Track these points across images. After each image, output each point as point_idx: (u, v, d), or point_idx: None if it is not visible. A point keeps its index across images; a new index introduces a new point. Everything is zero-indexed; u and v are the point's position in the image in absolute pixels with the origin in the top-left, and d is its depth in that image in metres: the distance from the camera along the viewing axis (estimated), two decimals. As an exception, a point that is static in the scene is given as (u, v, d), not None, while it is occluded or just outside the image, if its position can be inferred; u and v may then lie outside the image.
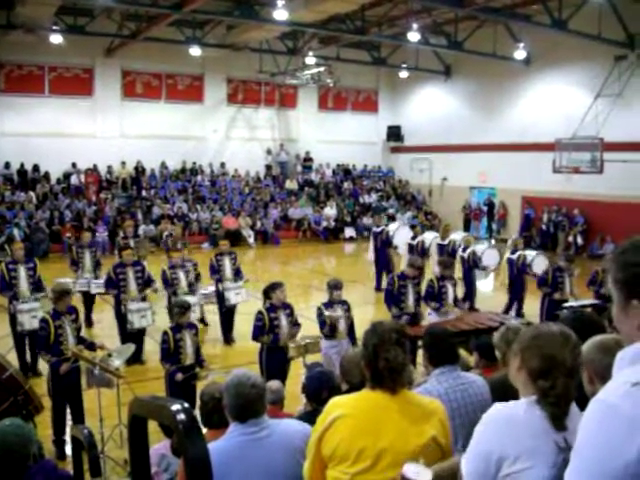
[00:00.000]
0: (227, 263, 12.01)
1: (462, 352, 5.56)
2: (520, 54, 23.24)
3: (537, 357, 2.25)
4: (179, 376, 7.32)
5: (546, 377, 2.21)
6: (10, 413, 5.50)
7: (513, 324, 4.61)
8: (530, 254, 13.90)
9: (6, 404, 6.47)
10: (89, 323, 12.59)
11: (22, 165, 25.05)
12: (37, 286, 10.40)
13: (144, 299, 10.92)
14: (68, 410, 7.52)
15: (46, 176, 25.29)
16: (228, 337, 11.77)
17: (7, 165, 24.85)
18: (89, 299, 12.73)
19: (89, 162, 25.99)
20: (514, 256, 13.59)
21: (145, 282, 11.03)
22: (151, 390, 7.29)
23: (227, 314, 11.89)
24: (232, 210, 26.17)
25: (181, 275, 11.47)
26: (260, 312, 8.20)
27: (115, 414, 7.20)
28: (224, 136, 29.10)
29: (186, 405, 2.09)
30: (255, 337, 8.15)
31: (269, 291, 8.31)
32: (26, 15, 21.12)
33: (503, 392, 2.99)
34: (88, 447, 3.46)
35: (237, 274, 12.07)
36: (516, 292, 13.33)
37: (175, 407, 2.05)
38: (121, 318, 10.75)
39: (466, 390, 3.69)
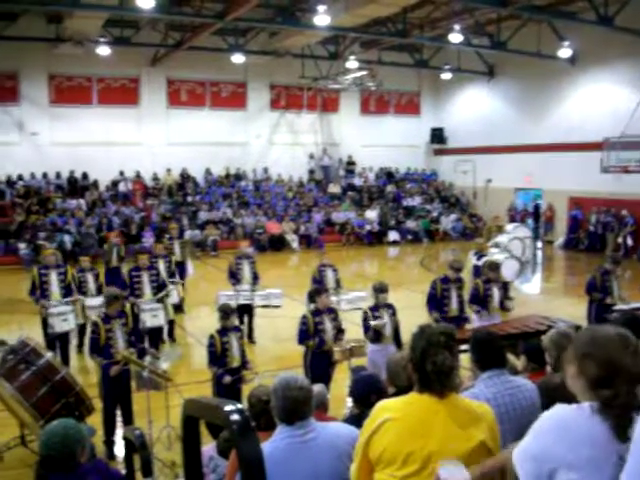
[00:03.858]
0: (246, 267, 12.04)
1: (509, 356, 5.48)
2: (565, 52, 22.88)
3: (595, 364, 2.11)
4: (227, 379, 7.37)
5: (608, 385, 2.07)
6: (62, 414, 5.61)
7: (563, 328, 4.52)
8: (499, 258, 12.95)
9: (58, 405, 6.61)
10: None
11: (72, 173, 25.58)
12: (68, 290, 10.73)
13: (159, 301, 11.15)
14: (118, 412, 7.63)
15: (95, 184, 25.80)
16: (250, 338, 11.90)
17: (58, 174, 25.38)
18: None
19: (136, 170, 26.44)
20: (480, 262, 12.80)
21: (159, 286, 11.35)
22: (198, 393, 7.35)
23: (241, 317, 11.84)
24: (276, 215, 26.30)
25: (246, 268, 11.93)
26: (305, 316, 8.23)
27: (163, 416, 7.29)
28: (267, 141, 29.28)
29: (240, 406, 2.11)
30: (301, 341, 8.17)
31: (314, 295, 8.31)
32: (74, 28, 21.58)
33: (553, 397, 2.94)
34: (140, 448, 3.50)
35: (254, 278, 12.06)
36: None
37: (229, 408, 2.07)
38: (135, 318, 11.04)
39: (515, 394, 3.62)
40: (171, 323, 12.33)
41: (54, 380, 6.73)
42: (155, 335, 10.84)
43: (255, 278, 12.00)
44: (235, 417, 2.03)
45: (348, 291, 11.64)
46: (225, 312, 7.67)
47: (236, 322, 7.95)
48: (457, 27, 21.05)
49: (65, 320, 10.32)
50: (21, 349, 6.94)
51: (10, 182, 24.49)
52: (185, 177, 27.39)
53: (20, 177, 24.69)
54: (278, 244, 24.83)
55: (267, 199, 27.54)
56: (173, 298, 12.43)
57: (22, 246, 21.43)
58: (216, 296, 11.26)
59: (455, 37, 21.24)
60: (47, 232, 22.07)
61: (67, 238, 21.89)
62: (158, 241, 13.96)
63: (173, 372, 8.11)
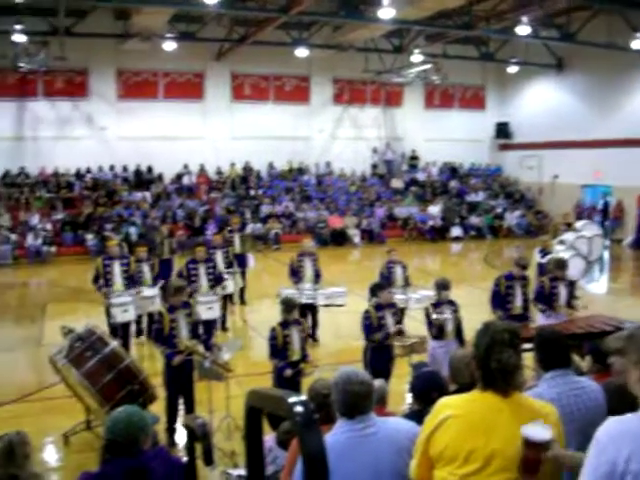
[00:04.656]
0: (308, 265, 11.77)
1: (574, 356, 5.35)
2: (638, 44, 22.18)
3: None
4: (288, 372, 7.40)
5: None
6: (126, 401, 5.74)
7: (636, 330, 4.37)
8: (564, 256, 12.30)
9: (123, 392, 6.77)
10: None
11: (138, 167, 26.13)
12: (130, 281, 11.01)
13: (216, 293, 11.43)
14: (180, 401, 7.76)
15: (160, 177, 26.30)
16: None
17: (125, 167, 25.95)
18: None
19: (200, 163, 26.81)
20: (545, 260, 12.33)
21: (216, 279, 11.55)
22: (258, 384, 7.41)
23: (304, 315, 11.81)
24: (338, 209, 26.31)
25: (308, 265, 11.78)
26: (367, 311, 8.22)
27: (224, 406, 7.39)
28: (330, 135, 29.29)
29: (304, 398, 2.12)
30: (367, 336, 8.16)
31: (377, 289, 8.29)
32: (141, 24, 22.00)
33: (620, 399, 2.86)
34: (202, 436, 3.55)
35: (317, 276, 11.81)
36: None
37: (293, 400, 2.09)
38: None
39: (580, 395, 3.54)
40: (225, 315, 12.61)
41: (119, 368, 6.89)
42: (209, 327, 11.00)
43: (317, 276, 11.78)
44: (299, 409, 2.04)
45: (416, 289, 11.45)
46: (287, 305, 7.71)
47: (297, 315, 7.97)
48: (524, 19, 20.61)
49: (126, 311, 10.62)
50: (88, 337, 7.12)
51: (79, 175, 25.16)
52: (248, 171, 27.65)
53: (88, 170, 25.34)
54: (340, 238, 24.85)
55: (329, 193, 27.58)
56: (228, 288, 12.70)
57: (89, 237, 22.05)
58: (278, 292, 11.30)
59: (522, 29, 20.81)
60: (113, 224, 22.64)
61: (132, 230, 22.40)
62: (218, 233, 14.15)
63: (234, 363, 8.19)
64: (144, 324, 11.82)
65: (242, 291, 14.48)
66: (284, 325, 7.64)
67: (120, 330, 10.45)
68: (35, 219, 22.35)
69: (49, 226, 22.41)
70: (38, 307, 14.91)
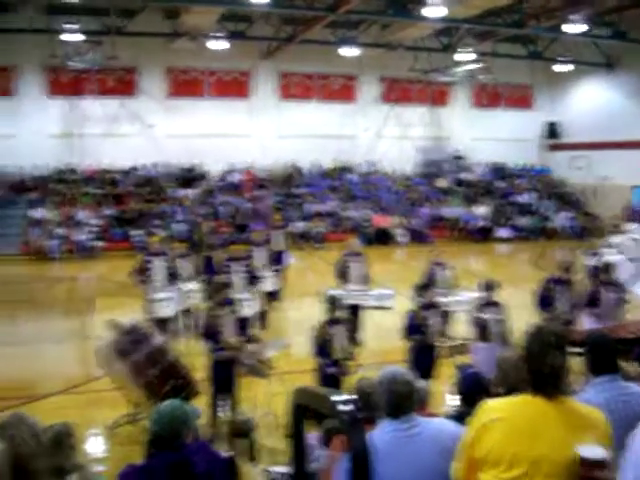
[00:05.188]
0: (355, 266, 11.60)
1: (622, 362, 5.23)
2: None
3: None
4: (331, 370, 7.40)
5: None
6: (170, 396, 5.80)
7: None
8: (613, 259, 11.98)
9: (167, 387, 6.84)
10: None
11: (184, 164, 26.39)
12: (170, 277, 11.18)
13: (251, 293, 11.43)
14: (223, 397, 7.81)
15: (206, 174, 26.52)
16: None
17: (171, 165, 26.24)
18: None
19: (246, 161, 26.95)
20: (594, 262, 12.02)
21: (250, 278, 11.52)
22: (301, 382, 7.40)
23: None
24: (383, 208, 26.21)
25: (355, 266, 11.67)
26: (412, 311, 8.17)
27: (266, 403, 7.42)
28: (376, 134, 29.19)
29: (349, 397, 2.12)
30: (408, 335, 8.11)
31: (421, 290, 8.24)
32: (190, 23, 22.25)
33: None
34: (245, 432, 3.57)
35: (364, 276, 11.63)
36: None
37: (339, 398, 2.08)
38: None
39: (628, 401, 3.47)
40: (263, 313, 12.59)
41: (164, 362, 6.96)
42: (245, 325, 11.04)
43: (365, 277, 11.62)
44: (345, 408, 2.04)
45: (461, 291, 11.30)
46: (332, 304, 7.70)
47: (342, 314, 7.95)
48: (575, 17, 20.23)
49: (167, 306, 10.72)
50: (134, 331, 7.22)
51: (127, 172, 25.54)
52: (294, 169, 27.72)
53: (136, 167, 25.70)
54: (384, 238, 24.75)
55: (374, 192, 27.48)
56: (267, 286, 12.74)
57: (137, 233, 22.36)
58: (324, 291, 11.23)
59: (573, 27, 20.44)
60: (160, 220, 22.91)
61: (177, 226, 22.63)
62: (259, 231, 14.26)
63: (277, 360, 8.21)
64: (183, 320, 11.96)
65: (279, 288, 14.50)
66: (328, 323, 7.63)
67: (159, 325, 10.57)
68: (83, 214, 22.77)
69: (97, 221, 22.84)
70: (86, 301, 15.19)
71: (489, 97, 30.96)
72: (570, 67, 27.35)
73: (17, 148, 23.68)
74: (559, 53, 27.11)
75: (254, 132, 27.09)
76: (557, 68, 28.02)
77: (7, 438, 2.37)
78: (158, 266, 11.09)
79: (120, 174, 25.37)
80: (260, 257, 12.79)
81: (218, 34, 23.41)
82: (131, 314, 9.30)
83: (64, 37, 21.25)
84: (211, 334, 7.71)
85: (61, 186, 24.16)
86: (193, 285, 11.79)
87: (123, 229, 22.87)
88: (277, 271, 13.27)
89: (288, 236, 16.24)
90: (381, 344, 11.49)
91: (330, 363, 7.47)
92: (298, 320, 12.79)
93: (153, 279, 11.04)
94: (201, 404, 7.39)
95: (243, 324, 8.29)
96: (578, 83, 29.41)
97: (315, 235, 24.09)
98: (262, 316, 12.69)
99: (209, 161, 26.25)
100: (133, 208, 23.47)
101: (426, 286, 8.35)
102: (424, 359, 7.99)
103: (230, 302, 8.03)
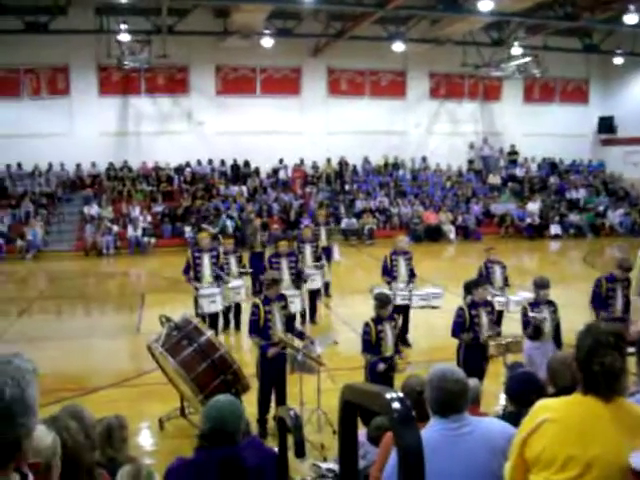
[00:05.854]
0: (402, 264, 11.40)
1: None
2: None
3: None
4: (381, 367, 7.38)
5: None
6: (220, 391, 5.84)
7: None
8: None
9: (217, 381, 6.90)
10: None
11: (235, 161, 26.60)
12: (219, 273, 11.30)
13: (298, 287, 11.61)
14: (272, 392, 7.85)
15: (256, 171, 26.69)
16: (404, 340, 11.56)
17: (222, 162, 26.49)
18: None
19: (296, 158, 27.08)
20: None
21: (298, 273, 11.73)
22: (350, 379, 7.40)
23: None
24: (433, 205, 26.02)
25: (402, 264, 11.55)
26: (461, 308, 8.09)
27: (315, 399, 7.43)
28: (426, 130, 28.98)
29: (401, 394, 2.09)
30: (455, 334, 8.04)
31: (471, 287, 8.15)
32: (240, 21, 22.42)
33: None
34: (294, 428, 3.56)
35: (411, 275, 11.42)
36: None
37: (390, 395, 2.06)
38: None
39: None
40: (312, 309, 12.79)
41: (214, 357, 7.02)
42: (293, 321, 11.09)
43: (411, 276, 11.45)
44: (396, 405, 2.02)
45: (515, 290, 11.12)
46: (381, 301, 7.69)
47: (391, 311, 7.92)
48: (632, 7, 19.72)
49: (213, 302, 10.91)
50: (184, 326, 7.30)
51: (178, 169, 25.87)
52: (343, 165, 27.73)
53: (187, 164, 26.01)
54: (434, 234, 24.57)
55: (425, 189, 27.31)
56: (316, 283, 12.80)
57: (187, 229, 22.65)
58: (371, 288, 11.19)
59: (630, 18, 19.93)
60: (210, 216, 23.14)
61: (229, 223, 22.85)
62: (306, 227, 14.31)
63: (326, 357, 8.22)
64: (232, 315, 12.23)
65: (327, 285, 14.56)
66: (377, 321, 7.62)
67: (208, 320, 10.71)
68: (136, 211, 23.17)
69: (149, 218, 23.20)
70: (137, 296, 15.47)
71: (542, 92, 30.41)
72: (626, 60, 26.69)
73: (73, 146, 24.21)
74: (616, 45, 26.47)
75: (304, 129, 27.13)
76: (614, 61, 27.33)
77: (58, 430, 2.41)
78: (206, 262, 11.23)
79: (172, 171, 25.72)
80: (308, 254, 12.85)
81: (267, 32, 23.53)
82: (181, 309, 9.43)
83: (117, 37, 21.59)
84: (261, 330, 7.77)
85: (115, 183, 24.64)
86: (241, 281, 11.99)
87: (174, 225, 23.16)
88: (323, 267, 13.28)
89: (335, 232, 16.25)
90: (430, 342, 11.41)
91: (379, 360, 7.46)
92: (347, 317, 12.81)
93: (201, 275, 11.18)
94: (251, 399, 7.47)
95: (292, 320, 8.36)
96: (636, 76, 28.66)
97: (365, 232, 24.05)
98: (311, 312, 12.76)
99: (259, 158, 26.40)
100: (184, 205, 23.75)
101: (477, 283, 8.23)
102: (474, 358, 7.91)
103: (281, 298, 8.08)
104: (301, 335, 8.21)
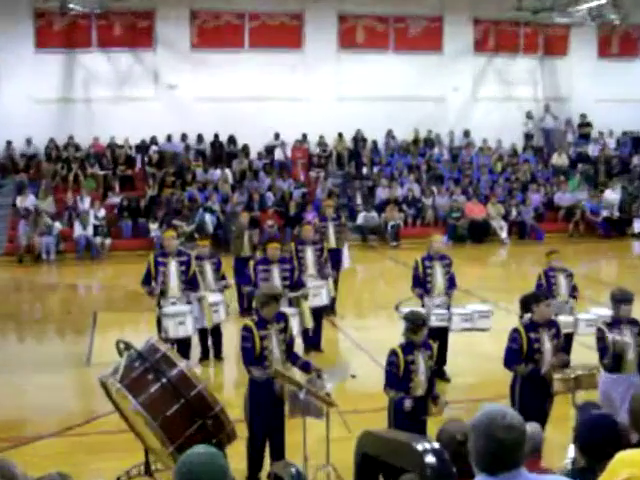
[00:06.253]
0: (438, 271, 11.35)
1: None
2: None
3: None
4: (407, 404, 7.28)
5: None
6: (197, 441, 5.80)
7: None
8: None
9: (193, 428, 6.87)
10: None
11: (217, 137, 26.69)
12: (191, 285, 11.25)
13: (296, 304, 11.51)
14: (267, 442, 7.83)
15: (245, 150, 26.72)
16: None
17: (199, 138, 26.55)
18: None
19: (297, 132, 27.12)
20: None
21: (295, 284, 11.55)
22: (369, 424, 7.38)
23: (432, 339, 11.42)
24: (479, 194, 25.95)
25: (439, 272, 11.43)
26: (516, 330, 8.05)
27: (322, 452, 7.40)
28: (469, 96, 28.95)
29: (436, 445, 2.08)
30: (509, 363, 8.01)
31: (530, 303, 8.13)
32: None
33: None
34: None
35: (450, 286, 11.35)
36: None
37: (422, 446, 2.05)
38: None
39: None
40: (316, 330, 12.54)
41: (189, 396, 7.00)
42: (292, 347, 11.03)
43: (451, 286, 11.37)
44: (430, 460, 2.00)
45: (587, 306, 11.05)
46: (413, 322, 7.61)
47: (425, 337, 7.84)
48: None
49: (182, 324, 10.83)
50: (150, 355, 7.28)
51: (142, 147, 25.97)
52: (360, 142, 27.72)
53: (154, 141, 26.11)
54: (481, 233, 24.51)
55: (467, 173, 27.24)
56: (320, 298, 12.61)
57: (153, 227, 22.59)
58: (397, 305, 11.09)
59: None
60: (184, 210, 23.11)
61: (208, 218, 22.85)
62: (307, 224, 14.26)
63: (337, 395, 8.19)
64: (211, 341, 12.20)
65: (333, 300, 14.29)
66: (407, 348, 7.56)
67: (181, 347, 10.62)
68: (85, 203, 23.13)
69: (103, 212, 23.17)
70: (87, 315, 15.44)
71: (622, 44, 30.28)
72: None
73: (0, 118, 24.24)
74: None
75: (307, 94, 27.07)
76: None
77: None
78: (173, 270, 11.17)
79: (133, 150, 25.78)
80: (310, 259, 12.81)
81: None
82: (146, 333, 9.43)
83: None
84: (252, 360, 7.74)
85: (57, 166, 24.63)
86: (220, 296, 11.96)
87: (136, 222, 23.16)
88: (329, 277, 13.14)
89: (347, 231, 16.20)
90: (476, 375, 11.41)
91: (408, 400, 7.41)
92: (365, 342, 12.80)
93: (166, 287, 11.15)
94: (238, 452, 7.45)
95: (292, 347, 8.32)
96: None
97: (389, 230, 24.00)
98: (315, 337, 12.70)
99: (248, 133, 26.37)
100: (150, 194, 23.75)
101: (537, 298, 8.20)
102: (534, 396, 7.89)
103: (280, 318, 8.03)
104: (306, 367, 8.15)
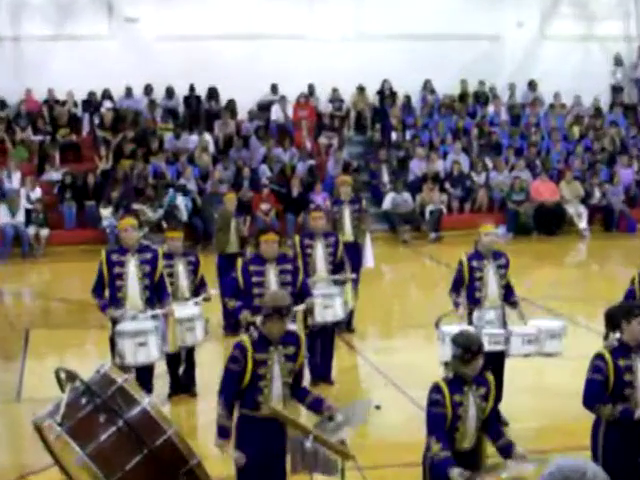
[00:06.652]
0: (490, 273, 11.23)
1: None
2: None
3: None
4: (455, 475, 7.15)
5: None
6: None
7: None
8: None
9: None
10: None
11: (191, 90, 26.74)
12: (159, 293, 11.19)
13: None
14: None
15: (230, 107, 26.76)
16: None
17: (169, 91, 26.59)
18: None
19: (301, 84, 27.15)
20: None
21: (296, 292, 11.22)
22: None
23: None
24: (549, 169, 25.92)
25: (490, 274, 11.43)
26: (600, 356, 8.00)
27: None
28: (536, 33, 28.94)
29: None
30: (590, 402, 7.98)
31: (619, 318, 8.11)
32: None
33: None
34: None
35: (508, 295, 11.31)
36: None
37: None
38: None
39: None
40: (326, 354, 12.66)
41: (155, 445, 7.00)
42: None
43: (508, 296, 11.33)
44: None
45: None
46: (466, 349, 7.48)
47: (479, 369, 7.74)
48: None
49: (143, 345, 10.75)
50: (102, 389, 7.27)
51: (91, 103, 26.00)
52: (387, 98, 27.72)
53: (107, 95, 26.15)
54: (551, 222, 24.51)
55: (533, 140, 27.24)
56: (335, 311, 12.55)
57: (106, 213, 22.57)
58: (437, 321, 11.06)
59: None
60: (148, 189, 23.09)
61: (181, 201, 22.86)
62: (315, 210, 13.96)
63: (355, 444, 8.20)
64: (182, 369, 12.14)
65: (351, 313, 14.35)
66: (454, 384, 7.50)
67: (142, 378, 10.56)
68: (13, 180, 23.21)
69: (38, 192, 23.19)
70: (16, 334, 15.42)
71: None
72: None
73: None
74: None
75: (315, 32, 27.13)
76: None
77: None
78: (133, 273, 11.13)
79: (79, 107, 25.76)
80: (319, 257, 12.80)
81: None
82: (96, 359, 9.43)
83: None
84: (232, 388, 7.71)
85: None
86: (196, 309, 11.89)
87: (83, 206, 23.16)
88: (345, 282, 13.12)
89: (368, 218, 16.13)
90: (543, 418, 11.39)
91: (450, 451, 7.39)
92: (393, 370, 12.79)
93: (124, 296, 11.13)
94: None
95: (299, 377, 8.28)
96: None
97: (427, 217, 23.99)
98: (325, 363, 12.68)
99: (236, 84, 26.36)
100: (102, 168, 23.76)
101: (629, 312, 8.19)
102: (624, 447, 7.87)
103: (289, 340, 7.91)
104: (316, 405, 8.08)
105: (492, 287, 11.24)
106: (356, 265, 14.41)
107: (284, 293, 9.00)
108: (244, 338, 7.89)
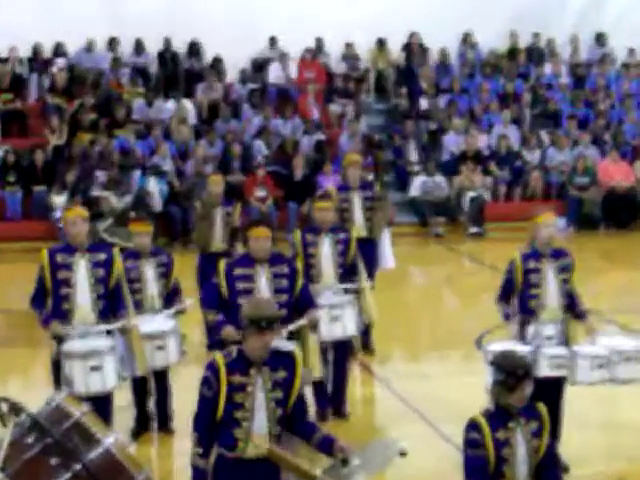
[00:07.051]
0: (549, 275, 11.16)
1: None
2: None
3: None
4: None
5: None
6: None
7: None
8: None
9: None
10: None
11: (167, 44, 26.81)
12: (113, 303, 11.09)
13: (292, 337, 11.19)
14: None
15: (217, 67, 26.86)
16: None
17: (138, 45, 26.69)
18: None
19: (307, 36, 27.28)
20: None
21: (295, 313, 11.16)
22: None
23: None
24: (621, 146, 25.94)
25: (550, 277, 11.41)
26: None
27: None
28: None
29: None
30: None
31: None
32: None
33: None
34: None
35: (571, 305, 11.22)
36: None
37: None
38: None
39: None
40: (338, 381, 12.66)
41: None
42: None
43: (571, 306, 11.27)
44: None
45: None
46: (509, 373, 7.53)
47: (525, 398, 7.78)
48: None
49: (96, 370, 10.72)
50: (54, 424, 7.30)
51: (40, 61, 26.03)
52: (416, 54, 27.74)
53: (60, 50, 26.30)
54: (625, 212, 24.52)
55: (602, 108, 27.26)
56: (345, 327, 12.53)
57: (58, 200, 22.60)
58: (478, 338, 11.06)
59: None
60: (113, 171, 23.17)
61: (153, 185, 22.91)
62: (322, 198, 13.83)
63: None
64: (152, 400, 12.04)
65: (367, 328, 14.41)
66: (497, 417, 7.55)
67: (101, 409, 10.58)
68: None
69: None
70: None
71: None
72: None
73: None
74: None
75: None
76: None
77: None
78: (83, 279, 11.10)
79: (23, 64, 25.82)
80: (326, 257, 12.86)
81: None
82: (43, 384, 9.46)
83: None
84: (205, 421, 7.71)
85: None
86: (171, 322, 11.90)
87: (29, 192, 23.24)
88: (362, 290, 13.12)
89: (386, 207, 16.10)
90: (615, 459, 11.43)
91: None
92: (423, 401, 12.84)
93: (71, 308, 11.10)
94: None
95: (302, 407, 8.27)
96: None
97: (466, 206, 24.02)
98: (336, 389, 12.72)
99: (224, 37, 26.50)
100: (53, 144, 23.84)
101: None
102: None
103: (279, 361, 7.90)
104: (326, 445, 8.05)
105: (552, 294, 11.17)
106: (370, 267, 14.32)
107: (268, 300, 8.95)
108: (217, 356, 7.76)
